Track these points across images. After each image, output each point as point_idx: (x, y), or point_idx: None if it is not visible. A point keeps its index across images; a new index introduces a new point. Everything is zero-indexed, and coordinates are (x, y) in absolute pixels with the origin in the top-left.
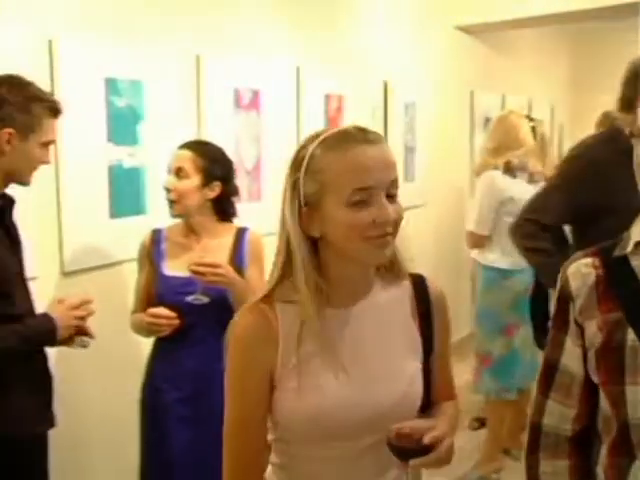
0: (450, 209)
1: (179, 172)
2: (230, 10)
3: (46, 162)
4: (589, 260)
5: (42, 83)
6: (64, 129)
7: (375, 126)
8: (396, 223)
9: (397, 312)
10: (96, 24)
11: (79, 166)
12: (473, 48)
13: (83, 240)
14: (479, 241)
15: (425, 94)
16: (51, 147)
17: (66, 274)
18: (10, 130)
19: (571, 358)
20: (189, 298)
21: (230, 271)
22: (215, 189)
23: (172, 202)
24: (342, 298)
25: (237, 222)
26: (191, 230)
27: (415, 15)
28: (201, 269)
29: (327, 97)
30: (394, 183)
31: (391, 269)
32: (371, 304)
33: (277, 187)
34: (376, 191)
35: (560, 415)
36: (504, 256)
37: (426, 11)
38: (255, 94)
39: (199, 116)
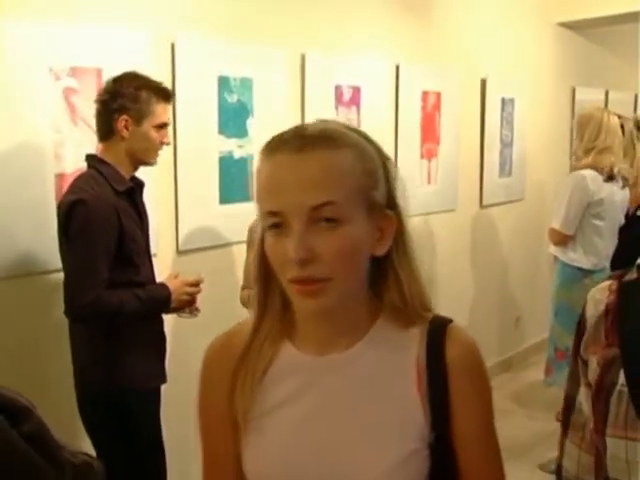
0: (549, 205)
1: None
2: (333, 10)
3: (165, 143)
4: (608, 283)
5: (165, 81)
6: (180, 122)
7: (471, 121)
8: (320, 263)
9: (392, 370)
10: (211, 27)
11: (193, 156)
12: (576, 44)
13: (196, 223)
14: (563, 240)
15: (524, 90)
16: (168, 128)
17: (180, 252)
18: (125, 117)
19: (583, 397)
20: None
21: None
22: None
23: None
24: (310, 343)
25: None
26: None
27: (516, 13)
28: None
29: (424, 94)
30: (323, 208)
31: (402, 309)
32: (355, 355)
33: None
34: (290, 218)
35: (578, 461)
36: (586, 255)
37: (528, 8)
38: (356, 91)
39: (303, 111)
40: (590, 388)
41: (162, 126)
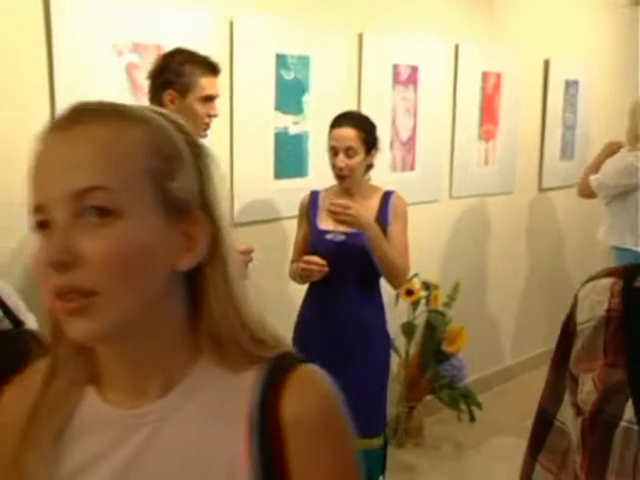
0: None
1: (349, 151)
2: None
3: (213, 115)
4: (609, 281)
5: (222, 59)
6: (237, 98)
7: (532, 103)
8: (85, 270)
9: (216, 427)
10: (269, 6)
11: (249, 132)
12: None
13: (251, 197)
14: (587, 194)
15: (589, 72)
16: (216, 101)
17: (235, 225)
18: (171, 91)
19: (568, 416)
20: (328, 236)
21: (360, 214)
22: (374, 155)
23: (342, 177)
24: (115, 389)
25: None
26: (348, 192)
27: None
28: (335, 208)
29: (484, 74)
30: (90, 195)
31: (226, 346)
32: (170, 407)
33: (430, 158)
34: (53, 211)
35: None
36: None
37: None
38: (413, 70)
39: (359, 89)
40: (579, 412)
41: (208, 98)
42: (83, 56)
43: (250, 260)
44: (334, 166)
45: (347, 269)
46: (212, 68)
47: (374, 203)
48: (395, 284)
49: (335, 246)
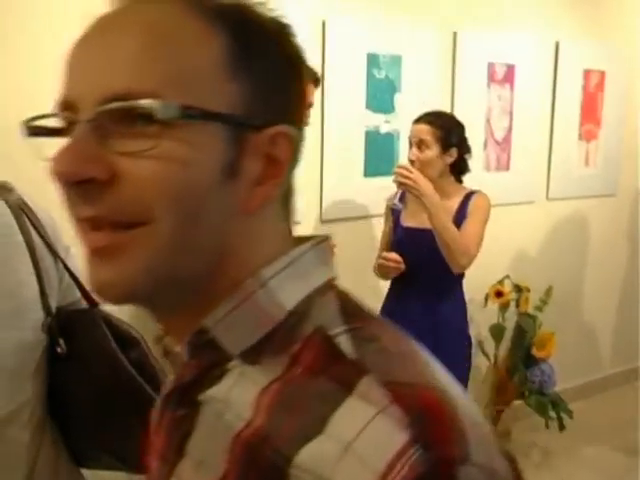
0: None
1: (421, 144)
2: None
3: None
4: None
5: (314, 59)
6: (328, 97)
7: (638, 104)
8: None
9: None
10: (361, 5)
11: (340, 130)
12: None
13: (339, 194)
14: None
15: None
16: (310, 110)
17: (324, 222)
18: None
19: None
20: (389, 202)
21: (422, 181)
22: (453, 154)
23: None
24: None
25: (484, 190)
26: None
27: None
28: (399, 170)
29: (586, 72)
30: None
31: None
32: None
33: (526, 158)
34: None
35: None
36: None
37: None
38: (510, 68)
39: (453, 88)
40: None
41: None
42: None
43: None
44: (408, 159)
45: (425, 267)
46: (316, 79)
47: (454, 203)
48: (454, 265)
49: (414, 244)
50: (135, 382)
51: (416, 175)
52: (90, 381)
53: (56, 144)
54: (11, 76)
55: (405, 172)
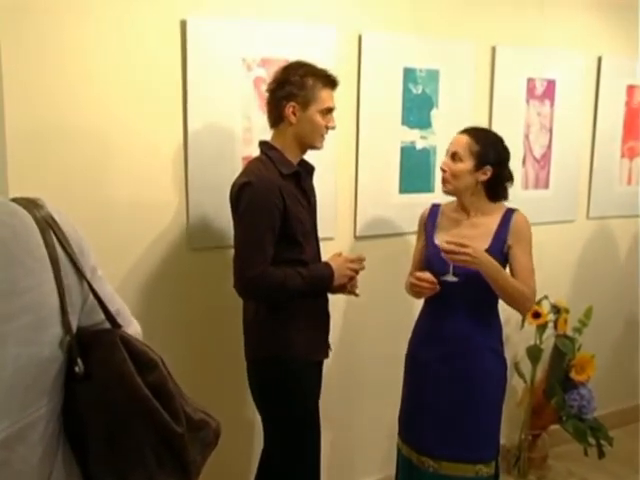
0: None
1: (454, 156)
2: (526, 0)
3: (331, 127)
4: None
5: (349, 74)
6: (364, 112)
7: None
8: None
9: None
10: (398, 20)
11: (375, 145)
12: None
13: (374, 211)
14: None
15: None
16: (333, 113)
17: (358, 238)
18: (293, 104)
19: None
20: (443, 277)
21: (478, 252)
22: (487, 173)
23: (445, 180)
24: None
25: (522, 208)
26: (463, 207)
27: None
28: (451, 247)
29: (629, 88)
30: None
31: None
32: None
33: (566, 176)
34: None
35: None
36: None
37: None
38: (550, 84)
39: (491, 104)
40: None
41: (327, 111)
42: (214, 71)
43: (362, 268)
44: (440, 167)
45: (460, 288)
46: (332, 81)
47: (493, 221)
48: (521, 311)
49: (447, 263)
50: (151, 406)
51: (472, 249)
52: (105, 404)
53: None
54: (45, 88)
55: (459, 248)
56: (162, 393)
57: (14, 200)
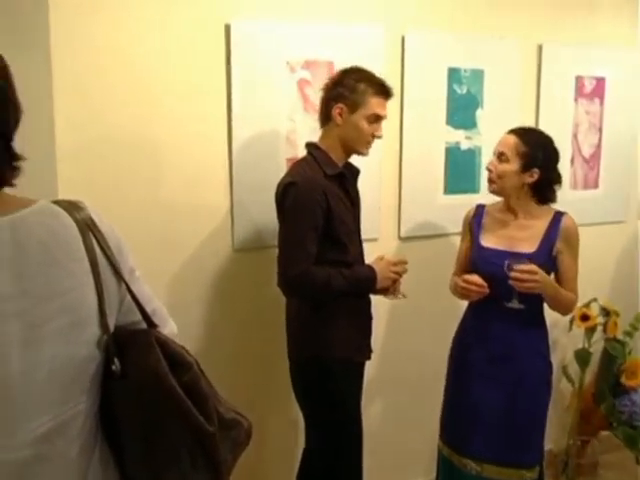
0: None
1: (501, 156)
2: None
3: (377, 136)
4: None
5: (393, 74)
6: (407, 112)
7: None
8: None
9: None
10: (441, 19)
11: (419, 146)
12: None
13: (418, 211)
14: None
15: None
16: (382, 122)
17: (402, 239)
18: (341, 105)
19: None
20: (507, 304)
21: (545, 276)
22: (534, 175)
23: (490, 180)
24: None
25: (571, 209)
26: (509, 208)
27: None
28: (521, 276)
29: None
30: None
31: None
32: None
33: (617, 175)
34: None
35: None
36: None
37: None
38: (599, 82)
39: (538, 103)
40: None
41: (375, 118)
42: (259, 73)
43: (404, 271)
44: (486, 167)
45: (508, 292)
46: (385, 91)
47: (542, 224)
48: (563, 314)
49: (493, 265)
50: (184, 406)
51: (540, 276)
52: (140, 403)
53: None
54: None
55: (530, 276)
56: (195, 393)
57: (56, 202)
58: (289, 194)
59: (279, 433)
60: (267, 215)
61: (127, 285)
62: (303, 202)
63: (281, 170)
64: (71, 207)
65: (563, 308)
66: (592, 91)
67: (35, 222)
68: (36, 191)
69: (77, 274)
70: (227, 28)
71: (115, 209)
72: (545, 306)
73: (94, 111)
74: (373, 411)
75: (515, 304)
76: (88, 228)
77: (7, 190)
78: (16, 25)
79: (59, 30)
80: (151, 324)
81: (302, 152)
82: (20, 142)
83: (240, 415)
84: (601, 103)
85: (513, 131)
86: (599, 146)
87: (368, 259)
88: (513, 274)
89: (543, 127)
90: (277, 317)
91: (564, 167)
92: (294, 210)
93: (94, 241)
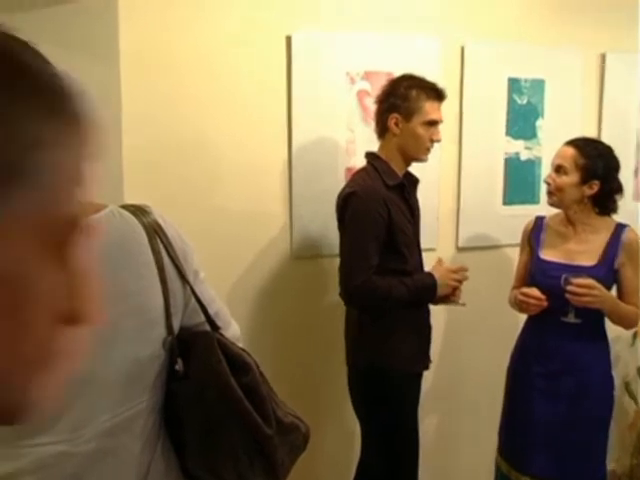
0: None
1: (559, 169)
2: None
3: (436, 140)
4: None
5: (452, 85)
6: (467, 123)
7: None
8: None
9: None
10: (501, 30)
11: (478, 156)
12: None
13: (477, 222)
14: None
15: None
16: (439, 126)
17: (460, 249)
18: (396, 115)
19: None
20: (564, 318)
21: (603, 291)
22: (593, 187)
23: (550, 193)
24: None
25: (634, 221)
26: (569, 221)
27: None
28: (578, 290)
29: None
30: None
31: None
32: None
33: None
34: None
35: None
36: None
37: None
38: None
39: (600, 113)
40: None
41: (432, 123)
42: (318, 85)
43: (465, 278)
44: (544, 180)
45: (565, 306)
46: (438, 94)
47: (603, 237)
48: (626, 328)
49: (553, 278)
50: (242, 407)
51: (599, 289)
52: (200, 401)
53: None
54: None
55: (588, 291)
56: (254, 395)
57: (124, 207)
58: (350, 204)
59: (334, 443)
60: (326, 224)
61: (192, 288)
62: (364, 212)
63: (340, 180)
64: (138, 211)
65: (625, 322)
66: None
67: (106, 227)
68: (104, 197)
69: (145, 277)
70: (288, 40)
71: (179, 217)
72: (607, 320)
73: (161, 123)
74: (428, 423)
75: (571, 319)
76: (155, 232)
77: None
78: (86, 36)
79: (129, 40)
80: (214, 326)
81: (361, 162)
82: None
83: (298, 419)
84: None
85: (571, 142)
86: None
87: (427, 269)
88: (570, 288)
89: (606, 137)
90: (336, 323)
91: (628, 178)
92: (355, 220)
93: (161, 245)
